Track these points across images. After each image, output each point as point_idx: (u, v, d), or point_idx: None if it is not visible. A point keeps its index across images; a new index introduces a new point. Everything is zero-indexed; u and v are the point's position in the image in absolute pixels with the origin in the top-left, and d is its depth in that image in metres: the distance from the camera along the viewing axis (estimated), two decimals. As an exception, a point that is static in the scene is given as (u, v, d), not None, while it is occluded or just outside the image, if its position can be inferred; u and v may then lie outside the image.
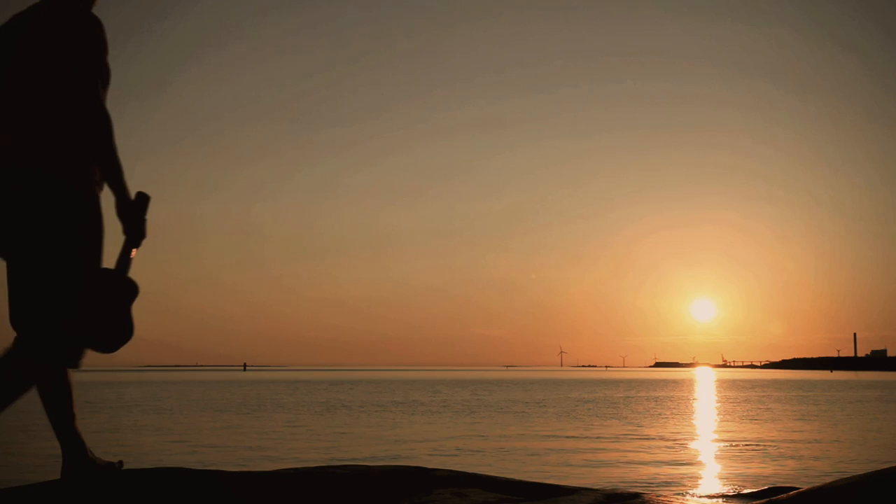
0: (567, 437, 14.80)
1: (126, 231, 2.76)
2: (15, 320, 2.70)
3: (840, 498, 2.72)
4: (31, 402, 2.94)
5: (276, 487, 2.89)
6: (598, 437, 14.62)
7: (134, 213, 2.74)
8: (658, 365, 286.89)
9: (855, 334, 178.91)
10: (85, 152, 2.68)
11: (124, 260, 2.77)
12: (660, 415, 21.56)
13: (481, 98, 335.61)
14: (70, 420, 2.80)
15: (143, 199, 2.79)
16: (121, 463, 2.94)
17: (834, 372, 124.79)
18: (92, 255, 2.72)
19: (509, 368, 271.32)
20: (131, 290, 2.76)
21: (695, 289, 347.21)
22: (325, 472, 3.09)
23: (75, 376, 2.86)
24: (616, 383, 56.94)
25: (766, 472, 9.97)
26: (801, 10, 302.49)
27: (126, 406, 25.82)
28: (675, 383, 57.28)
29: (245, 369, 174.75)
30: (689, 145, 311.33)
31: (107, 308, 2.70)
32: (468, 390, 40.40)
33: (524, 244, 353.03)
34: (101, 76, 2.66)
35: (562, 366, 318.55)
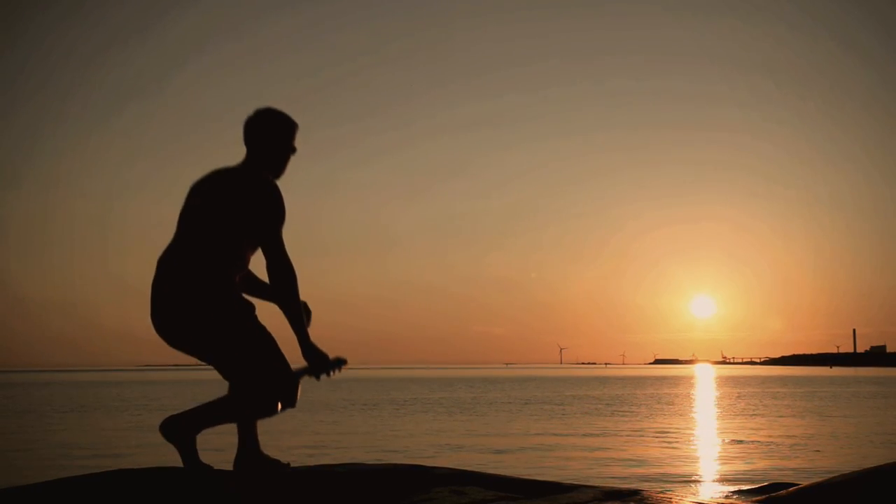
0: (566, 434, 14.82)
1: (309, 365, 3.10)
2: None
3: (839, 494, 2.72)
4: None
5: (276, 487, 2.90)
6: (597, 434, 14.63)
7: (322, 362, 3.09)
8: (657, 362, 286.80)
9: (854, 330, 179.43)
10: (228, 275, 3.06)
11: (298, 374, 3.09)
12: (659, 412, 21.59)
13: (480, 96, 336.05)
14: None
15: (339, 361, 3.10)
16: (287, 464, 3.18)
17: (833, 368, 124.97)
18: (253, 339, 3.04)
19: (509, 366, 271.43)
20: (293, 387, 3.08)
21: (694, 285, 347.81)
22: (323, 472, 3.10)
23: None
24: (615, 380, 56.98)
25: (766, 468, 9.99)
26: (800, 7, 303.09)
27: (126, 406, 25.82)
28: (675, 380, 57.32)
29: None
30: (689, 142, 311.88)
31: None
32: (467, 388, 40.42)
33: (524, 242, 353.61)
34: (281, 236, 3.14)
35: (561, 363, 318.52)
